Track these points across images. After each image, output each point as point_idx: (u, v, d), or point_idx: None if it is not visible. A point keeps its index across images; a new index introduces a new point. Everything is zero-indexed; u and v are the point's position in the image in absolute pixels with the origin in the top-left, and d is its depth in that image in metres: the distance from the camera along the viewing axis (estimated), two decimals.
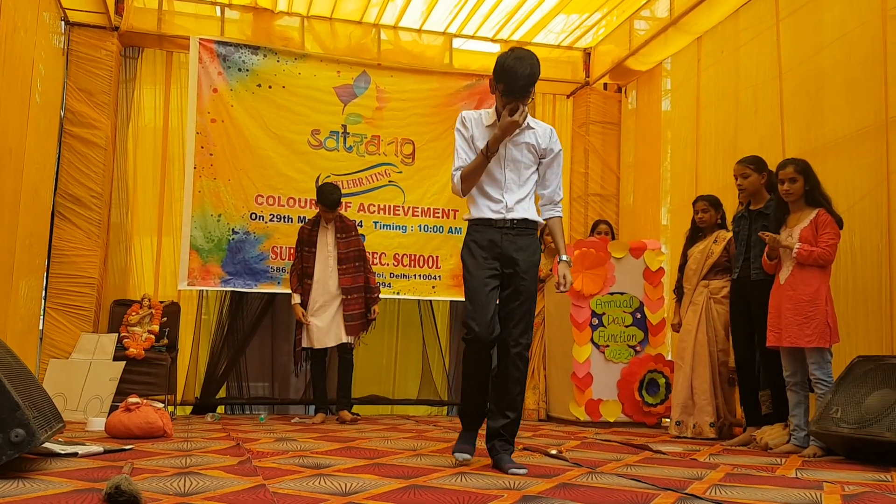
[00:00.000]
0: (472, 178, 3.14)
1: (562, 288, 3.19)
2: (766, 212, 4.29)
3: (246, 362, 6.33)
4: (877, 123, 4.27)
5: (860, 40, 4.43)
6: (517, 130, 3.11)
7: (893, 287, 4.07)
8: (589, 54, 7.17)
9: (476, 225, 3.19)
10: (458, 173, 3.16)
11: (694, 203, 4.97)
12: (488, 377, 3.17)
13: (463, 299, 6.52)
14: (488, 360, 3.15)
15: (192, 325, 6.25)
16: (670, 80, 6.58)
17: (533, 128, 3.20)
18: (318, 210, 5.55)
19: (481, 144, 3.11)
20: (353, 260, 5.48)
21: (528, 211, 3.18)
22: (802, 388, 3.93)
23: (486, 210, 3.15)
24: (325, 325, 5.38)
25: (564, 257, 3.26)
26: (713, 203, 4.89)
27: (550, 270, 5.64)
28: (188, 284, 6.00)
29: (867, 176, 4.31)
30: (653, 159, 6.73)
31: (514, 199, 3.15)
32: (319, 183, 6.29)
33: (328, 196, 5.38)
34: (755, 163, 4.36)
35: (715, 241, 4.81)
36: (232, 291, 6.19)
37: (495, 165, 3.15)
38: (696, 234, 4.96)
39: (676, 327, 5.02)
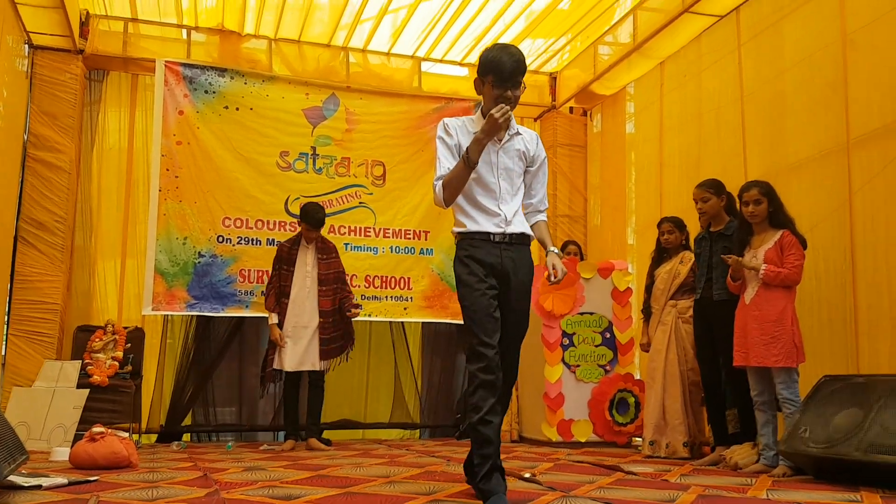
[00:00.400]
0: (454, 187, 2.89)
1: (553, 279, 2.94)
2: (727, 233, 4.37)
3: (212, 388, 6.22)
4: (838, 145, 4.37)
5: (821, 64, 4.54)
6: (506, 137, 2.95)
7: (857, 306, 4.15)
8: (555, 78, 7.25)
9: (471, 239, 2.93)
10: (440, 182, 2.91)
11: (659, 224, 5.04)
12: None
13: (436, 320, 6.67)
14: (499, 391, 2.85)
15: (157, 349, 6.12)
16: (634, 103, 6.68)
17: (521, 133, 3.05)
18: (298, 229, 5.52)
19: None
20: (333, 282, 5.43)
21: (523, 224, 3.01)
22: (770, 408, 3.97)
23: (483, 223, 2.92)
24: (301, 349, 5.27)
25: (553, 248, 3.04)
26: (678, 224, 4.97)
27: None
28: (153, 309, 5.89)
29: (830, 197, 4.40)
30: (618, 180, 6.82)
31: (511, 210, 2.95)
32: (289, 205, 6.28)
33: (314, 215, 5.33)
34: (714, 186, 4.45)
35: (681, 261, 4.87)
36: (198, 315, 6.09)
37: (488, 174, 2.94)
38: (661, 254, 5.03)
39: (645, 347, 5.06)
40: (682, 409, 4.74)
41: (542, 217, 3.14)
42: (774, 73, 4.90)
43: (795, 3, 4.74)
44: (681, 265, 4.86)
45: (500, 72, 2.84)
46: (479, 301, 2.84)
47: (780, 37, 4.87)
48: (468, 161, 2.83)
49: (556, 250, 3.04)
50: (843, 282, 4.25)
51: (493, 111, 2.78)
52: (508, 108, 2.82)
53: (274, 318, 5.32)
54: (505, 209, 2.94)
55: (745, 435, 4.25)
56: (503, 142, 2.96)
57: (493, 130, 2.83)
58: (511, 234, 2.92)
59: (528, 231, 3.00)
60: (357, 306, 5.51)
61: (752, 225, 4.11)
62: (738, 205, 4.23)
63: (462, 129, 2.99)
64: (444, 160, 2.94)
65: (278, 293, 5.36)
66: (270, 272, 5.51)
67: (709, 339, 4.44)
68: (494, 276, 2.89)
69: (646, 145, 6.42)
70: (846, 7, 4.37)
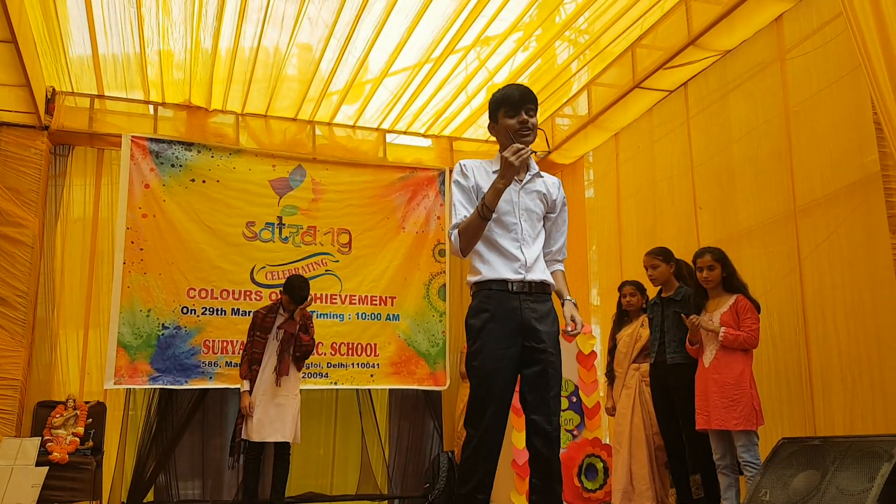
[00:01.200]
0: (470, 235, 2.69)
1: (571, 330, 2.73)
2: (677, 298, 4.50)
3: (175, 461, 6.10)
4: (786, 213, 4.57)
5: (766, 135, 4.77)
6: (527, 177, 2.79)
7: (812, 369, 4.28)
8: None
9: (488, 290, 2.68)
10: (455, 231, 2.70)
11: (620, 288, 5.16)
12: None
13: (403, 387, 6.65)
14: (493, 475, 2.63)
15: (119, 422, 6.00)
16: (593, 171, 6.90)
17: (542, 176, 2.87)
18: (264, 298, 5.51)
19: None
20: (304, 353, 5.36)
21: (544, 272, 2.76)
22: (732, 471, 4.04)
23: (501, 269, 2.68)
24: (268, 419, 5.14)
25: (569, 298, 2.81)
26: (639, 288, 5.09)
27: None
28: (115, 383, 5.81)
29: (780, 262, 4.57)
30: (580, 245, 6.97)
31: (532, 255, 2.72)
32: (254, 274, 6.30)
33: (298, 291, 5.30)
34: (663, 254, 4.61)
35: (642, 324, 4.97)
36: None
37: (509, 214, 2.73)
38: (622, 318, 5.13)
39: (611, 411, 5.11)
40: (649, 473, 4.76)
41: (560, 267, 2.91)
42: (722, 144, 5.13)
43: (740, 78, 5.00)
44: (642, 328, 4.95)
45: (511, 98, 2.72)
46: (490, 359, 2.62)
47: (726, 110, 5.12)
48: (483, 210, 2.62)
49: (573, 301, 2.82)
50: (797, 345, 4.39)
51: (505, 152, 2.59)
52: (523, 147, 2.60)
53: (245, 386, 5.21)
54: (526, 253, 2.71)
55: (710, 499, 4.30)
56: (524, 182, 2.79)
57: (511, 173, 2.60)
58: (531, 283, 2.68)
59: (549, 279, 2.77)
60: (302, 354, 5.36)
61: (706, 290, 4.25)
62: (693, 270, 4.37)
63: (479, 169, 2.80)
64: (460, 206, 2.74)
65: (251, 360, 5.28)
66: (246, 340, 5.44)
67: (667, 402, 4.51)
68: (517, 332, 2.65)
69: (605, 211, 6.62)
70: (788, 82, 4.63)
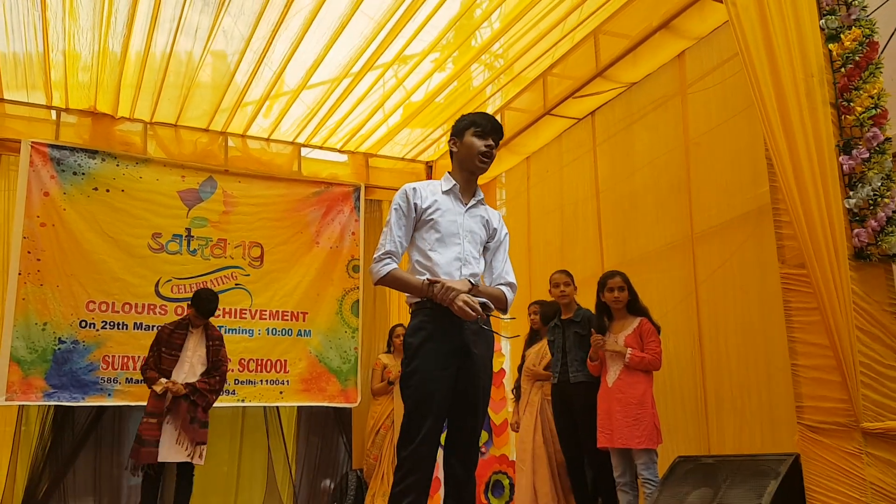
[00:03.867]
0: (397, 288, 2.79)
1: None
2: (577, 320, 4.61)
3: (73, 480, 5.84)
4: (684, 239, 4.79)
5: (667, 165, 4.99)
6: (472, 201, 2.87)
7: (707, 390, 4.48)
8: (431, 167, 7.53)
9: (429, 309, 2.66)
10: (388, 268, 2.69)
11: (529, 307, 5.25)
12: None
13: (313, 404, 6.55)
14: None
15: (10, 438, 5.68)
16: (505, 191, 7.05)
17: (484, 204, 2.96)
18: (168, 312, 5.44)
19: (443, 215, 2.77)
20: (213, 370, 5.22)
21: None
22: (632, 489, 4.18)
23: None
24: (169, 438, 4.97)
25: (473, 283, 2.73)
26: (546, 306, 5.21)
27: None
28: (7, 399, 5.53)
29: (678, 287, 4.78)
30: None
31: (473, 278, 2.74)
32: (160, 287, 6.12)
33: (206, 304, 5.20)
34: (571, 275, 4.73)
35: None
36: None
37: (453, 235, 2.77)
38: (534, 336, 5.23)
39: (515, 426, 5.19)
40: (552, 491, 4.83)
41: (504, 288, 2.88)
42: (626, 172, 5.33)
43: (644, 110, 5.23)
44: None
45: (484, 123, 2.85)
46: (428, 379, 2.61)
47: (630, 140, 5.33)
48: (429, 291, 2.65)
49: (473, 284, 2.72)
50: (692, 366, 4.59)
51: (457, 302, 2.60)
52: (477, 314, 2.62)
53: (160, 383, 4.98)
54: (467, 275, 2.73)
55: None
56: (468, 206, 2.87)
57: (448, 302, 2.62)
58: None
59: (488, 303, 2.80)
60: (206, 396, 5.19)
61: (611, 311, 4.38)
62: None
63: (426, 189, 2.84)
64: (395, 230, 2.75)
65: (160, 374, 5.06)
66: (147, 354, 5.23)
67: (569, 421, 4.58)
68: (453, 352, 2.66)
69: (515, 232, 6.66)
70: (688, 115, 4.86)
